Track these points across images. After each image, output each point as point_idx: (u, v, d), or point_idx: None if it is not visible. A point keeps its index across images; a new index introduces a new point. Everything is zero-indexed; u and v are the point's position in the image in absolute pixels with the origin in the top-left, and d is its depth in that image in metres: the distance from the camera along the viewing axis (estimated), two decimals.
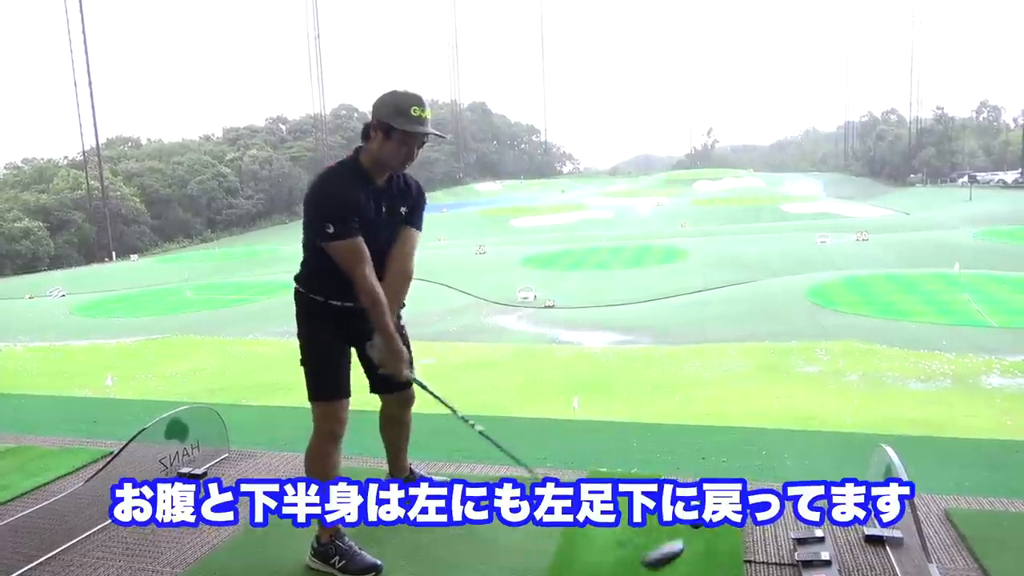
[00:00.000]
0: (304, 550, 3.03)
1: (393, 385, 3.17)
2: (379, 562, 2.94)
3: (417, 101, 2.83)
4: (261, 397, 9.21)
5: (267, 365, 12.12)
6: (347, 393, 3.03)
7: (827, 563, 2.85)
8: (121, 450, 3.62)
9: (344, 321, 2.99)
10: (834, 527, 3.13)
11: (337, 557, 2.93)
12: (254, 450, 4.41)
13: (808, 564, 2.86)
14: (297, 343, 3.06)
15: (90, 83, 53.42)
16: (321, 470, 2.96)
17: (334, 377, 2.99)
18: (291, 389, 9.88)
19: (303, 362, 3.02)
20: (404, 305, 3.14)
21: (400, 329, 3.08)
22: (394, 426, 3.39)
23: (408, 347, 3.09)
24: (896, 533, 2.92)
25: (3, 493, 3.92)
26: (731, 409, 8.72)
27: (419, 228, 3.11)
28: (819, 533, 3.04)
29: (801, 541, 3.01)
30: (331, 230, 2.78)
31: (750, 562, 2.95)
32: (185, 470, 3.95)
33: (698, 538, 3.05)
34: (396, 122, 2.81)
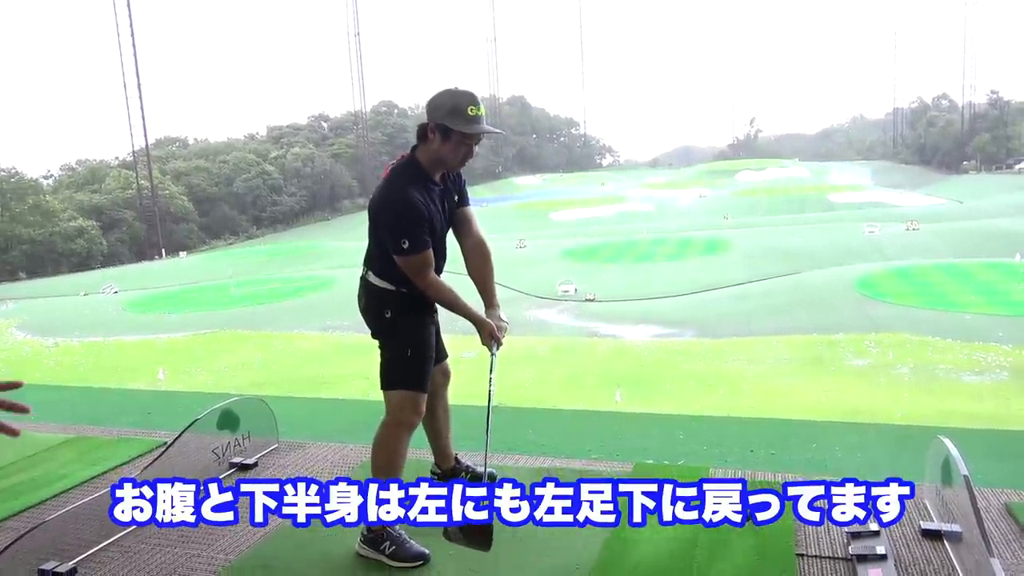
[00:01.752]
0: (354, 538, 3.07)
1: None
2: (427, 551, 2.97)
3: (472, 100, 2.85)
4: (307, 390, 9.36)
5: (311, 359, 12.31)
6: (429, 387, 3.11)
7: (883, 557, 2.78)
8: (175, 440, 3.70)
9: (435, 312, 3.14)
10: None
11: (388, 543, 2.96)
12: (303, 441, 4.48)
13: (863, 558, 2.79)
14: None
15: (139, 85, 54.93)
16: (394, 458, 3.02)
17: (427, 369, 3.08)
18: (336, 382, 10.03)
19: (395, 355, 3.04)
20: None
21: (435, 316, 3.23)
22: (435, 403, 3.41)
23: (438, 324, 3.25)
24: (955, 527, 2.83)
25: (64, 482, 4.06)
26: (778, 402, 8.58)
27: (469, 202, 3.24)
28: (874, 527, 2.97)
29: (855, 535, 2.94)
30: (406, 245, 2.85)
31: (802, 555, 2.90)
32: (237, 460, 4.03)
33: (749, 532, 3.01)
34: (453, 123, 2.83)
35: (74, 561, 3.11)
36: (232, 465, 4.01)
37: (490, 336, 3.04)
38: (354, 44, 72.29)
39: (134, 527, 3.36)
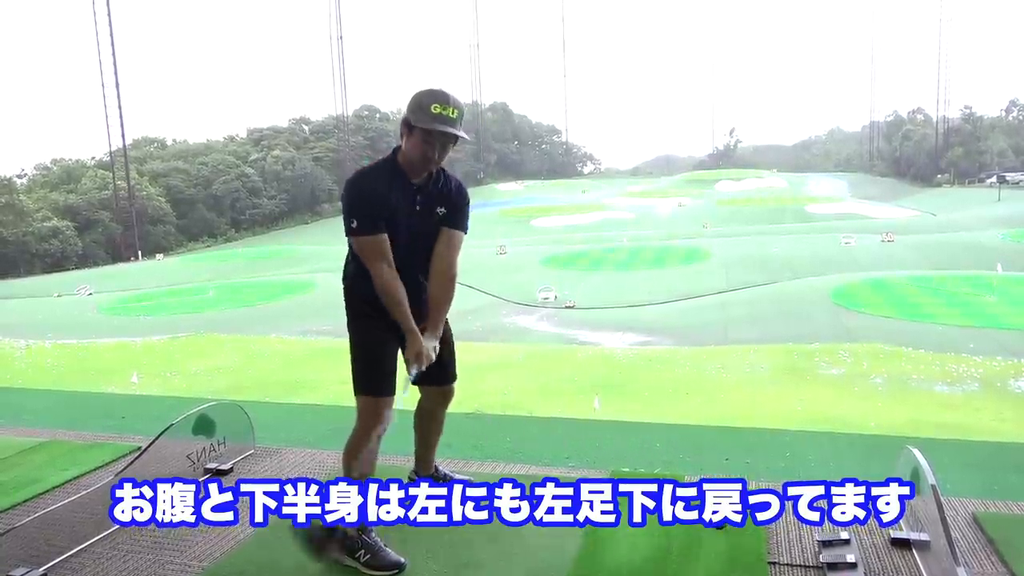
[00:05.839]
0: None
1: (434, 378, 3.20)
2: (403, 560, 2.96)
3: (439, 98, 2.79)
4: (285, 395, 9.28)
5: (290, 363, 12.21)
6: (393, 390, 3.04)
7: (853, 566, 2.82)
8: (150, 445, 3.67)
9: (392, 318, 3.03)
10: (860, 529, 3.12)
11: (363, 551, 2.95)
12: (279, 447, 4.46)
13: (833, 567, 2.84)
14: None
15: (117, 84, 54.31)
16: (360, 465, 3.00)
17: (383, 373, 3.01)
18: (315, 387, 9.96)
19: (350, 354, 3.04)
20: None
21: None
22: (429, 420, 3.41)
23: (451, 344, 3.23)
24: (923, 536, 2.89)
25: (35, 486, 4.00)
26: (754, 411, 8.65)
27: (461, 229, 3.11)
28: (844, 535, 3.02)
29: (826, 543, 2.99)
30: (354, 224, 2.85)
31: (774, 563, 2.93)
32: (212, 466, 4.00)
33: (721, 539, 3.05)
34: (416, 119, 2.80)
35: (44, 567, 3.07)
36: (207, 471, 3.98)
37: (416, 354, 2.92)
38: (337, 47, 72.08)
39: (107, 533, 3.33)
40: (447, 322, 3.16)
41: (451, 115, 2.80)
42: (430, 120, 2.78)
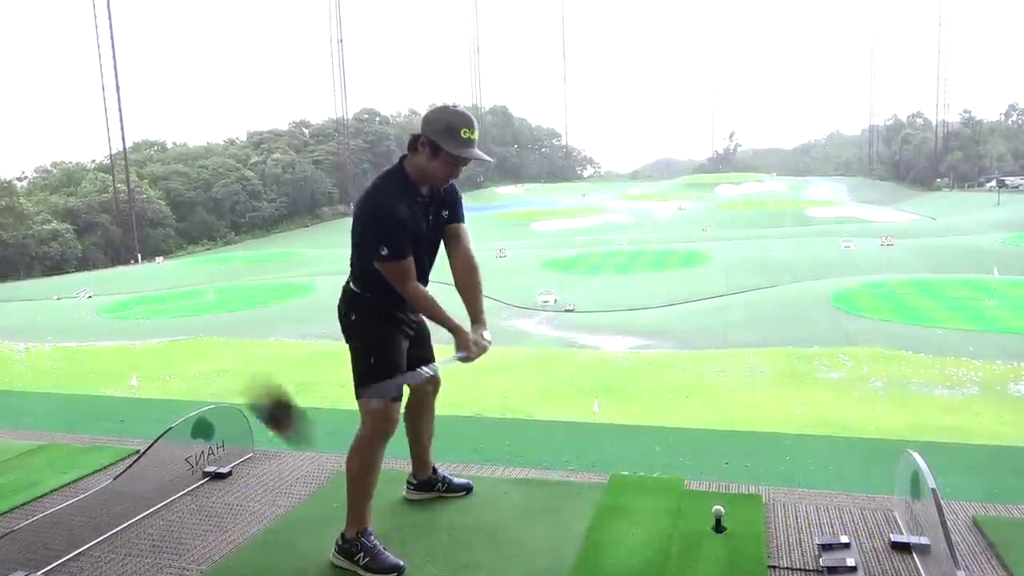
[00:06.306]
0: (328, 548, 3.06)
1: (421, 363, 3.20)
2: (402, 563, 2.96)
3: (468, 123, 2.84)
4: None
5: (289, 366, 12.21)
6: (402, 394, 3.07)
7: (853, 569, 2.82)
8: (148, 448, 3.67)
9: (407, 324, 3.10)
10: (860, 532, 3.11)
11: (362, 554, 2.95)
12: (278, 450, 4.44)
13: (833, 570, 2.83)
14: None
15: (117, 87, 54.41)
16: (366, 467, 3.00)
17: (395, 375, 3.01)
18: (313, 390, 9.95)
19: (360, 361, 3.03)
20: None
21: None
22: (421, 410, 3.41)
23: (424, 323, 3.25)
24: (923, 540, 2.88)
25: (33, 490, 3.99)
26: (754, 414, 8.65)
27: (463, 220, 3.24)
28: (844, 539, 3.01)
29: (826, 547, 2.98)
30: (385, 252, 2.84)
31: (774, 567, 2.93)
32: (211, 469, 4.00)
33: (721, 543, 3.05)
34: (445, 143, 2.83)
35: (42, 571, 3.06)
36: (206, 474, 3.97)
37: (466, 345, 2.99)
38: (337, 51, 72.26)
39: (105, 536, 3.33)
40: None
41: (476, 138, 2.88)
42: (461, 146, 2.83)
